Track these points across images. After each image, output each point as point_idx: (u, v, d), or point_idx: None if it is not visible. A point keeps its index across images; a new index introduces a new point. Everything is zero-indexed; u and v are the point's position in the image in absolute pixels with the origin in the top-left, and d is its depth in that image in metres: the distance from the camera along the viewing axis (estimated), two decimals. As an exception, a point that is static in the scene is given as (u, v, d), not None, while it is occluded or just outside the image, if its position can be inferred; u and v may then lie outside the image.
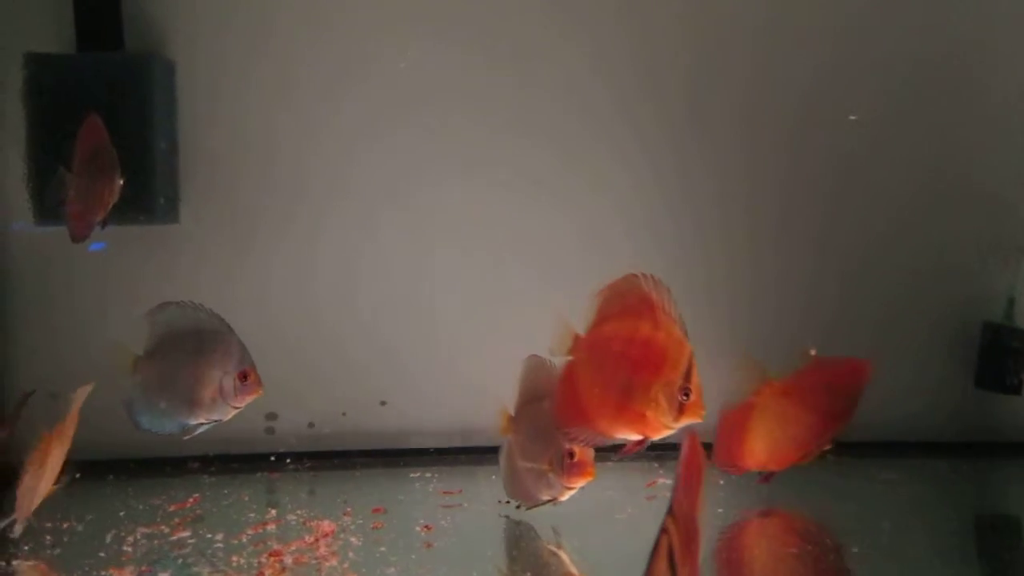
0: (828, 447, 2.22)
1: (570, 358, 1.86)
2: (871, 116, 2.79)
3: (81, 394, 2.12)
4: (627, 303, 1.79)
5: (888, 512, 2.33)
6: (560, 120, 2.77)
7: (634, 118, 2.77)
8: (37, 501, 2.02)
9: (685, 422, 1.75)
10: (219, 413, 2.17)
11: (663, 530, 1.23)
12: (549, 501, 2.11)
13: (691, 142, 2.79)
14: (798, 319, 2.75)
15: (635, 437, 1.81)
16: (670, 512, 1.25)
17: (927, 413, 2.81)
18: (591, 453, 2.03)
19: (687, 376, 1.73)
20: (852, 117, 2.77)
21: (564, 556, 2.05)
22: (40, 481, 2.01)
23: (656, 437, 1.80)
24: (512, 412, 2.18)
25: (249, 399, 2.17)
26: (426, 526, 2.16)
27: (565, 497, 2.08)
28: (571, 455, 2.01)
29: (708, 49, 2.78)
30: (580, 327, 1.86)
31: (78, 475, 2.38)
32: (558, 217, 2.78)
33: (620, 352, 1.77)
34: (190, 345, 2.15)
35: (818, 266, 2.82)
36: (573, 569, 1.99)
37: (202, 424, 2.18)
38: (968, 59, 2.83)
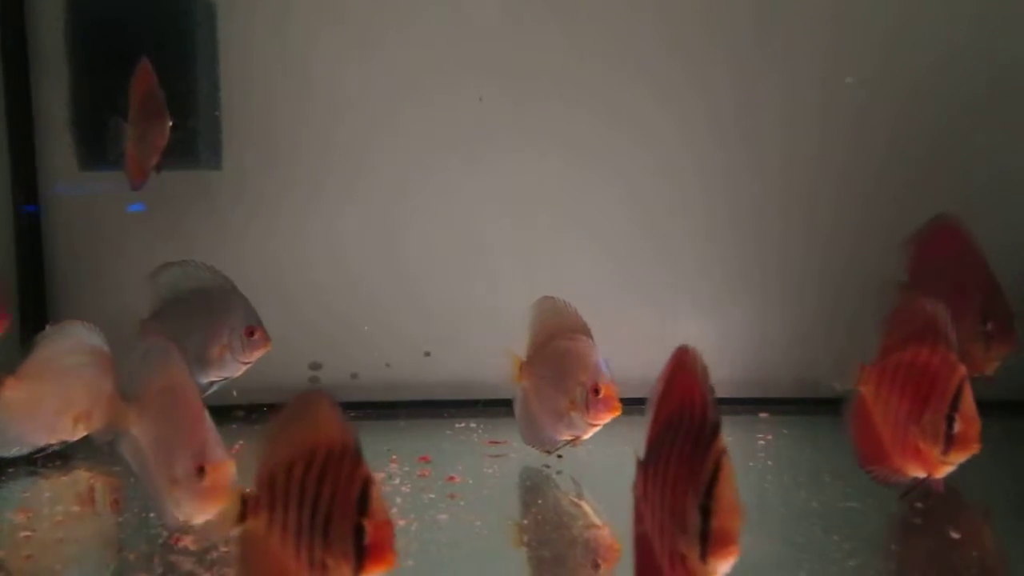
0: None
1: (859, 390, 1.75)
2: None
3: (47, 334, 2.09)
4: (911, 329, 1.67)
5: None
6: (607, 81, 2.67)
7: (697, 82, 2.68)
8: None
9: (958, 457, 1.58)
10: (229, 370, 2.20)
11: (723, 451, 1.17)
12: (570, 442, 2.08)
13: (760, 112, 2.69)
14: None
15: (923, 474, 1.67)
16: (719, 428, 1.18)
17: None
18: (616, 387, 1.99)
19: (954, 403, 1.57)
20: (848, 79, 2.65)
21: (586, 507, 2.01)
22: None
23: (938, 475, 1.64)
24: (523, 357, 2.15)
25: (258, 354, 2.19)
26: (472, 475, 2.13)
27: (588, 435, 2.05)
28: (596, 391, 1.98)
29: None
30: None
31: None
32: (600, 177, 2.72)
33: (903, 381, 1.65)
34: (195, 305, 2.18)
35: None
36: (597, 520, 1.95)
37: (214, 382, 2.20)
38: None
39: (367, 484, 1.22)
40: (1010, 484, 2.14)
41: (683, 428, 1.25)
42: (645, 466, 1.32)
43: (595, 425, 2.02)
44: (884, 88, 2.67)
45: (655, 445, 1.31)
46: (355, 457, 1.24)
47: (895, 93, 2.67)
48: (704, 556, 1.17)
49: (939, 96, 2.67)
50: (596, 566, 1.70)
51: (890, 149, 2.69)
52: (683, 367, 1.30)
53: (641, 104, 2.68)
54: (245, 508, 1.30)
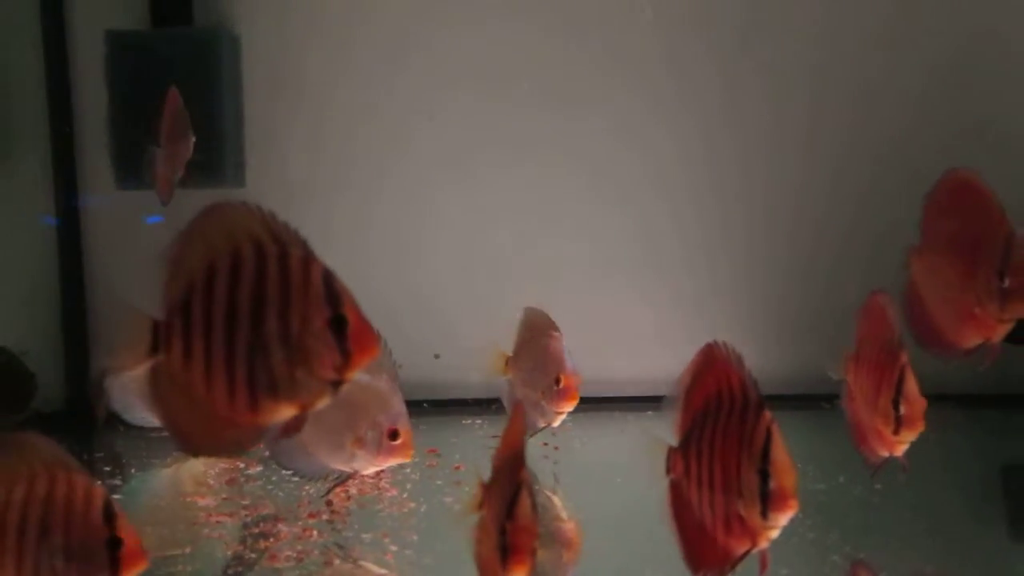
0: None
1: (847, 379, 1.89)
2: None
3: None
4: (869, 322, 1.84)
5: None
6: (609, 97, 2.90)
7: (690, 90, 2.89)
8: None
9: (908, 436, 1.75)
10: None
11: (772, 420, 1.32)
12: (544, 427, 2.25)
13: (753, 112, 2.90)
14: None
15: None
16: (763, 404, 1.34)
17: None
18: (577, 379, 2.17)
19: (899, 387, 1.74)
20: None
21: (556, 501, 2.16)
22: None
23: (898, 453, 1.82)
24: (509, 354, 2.31)
25: None
26: (475, 464, 2.31)
27: (557, 422, 2.23)
28: (558, 382, 2.16)
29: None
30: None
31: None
32: (602, 188, 2.93)
33: (867, 371, 1.81)
34: None
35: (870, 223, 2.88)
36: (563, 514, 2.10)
37: None
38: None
39: (519, 490, 1.30)
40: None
41: (724, 409, 1.38)
42: (684, 449, 1.44)
43: (560, 413, 2.20)
44: (878, 89, 2.88)
45: (693, 430, 1.43)
46: (519, 465, 1.33)
47: (890, 95, 2.88)
48: (765, 513, 1.29)
49: (929, 96, 2.88)
50: (559, 555, 1.88)
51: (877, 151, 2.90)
52: (715, 359, 1.44)
53: (642, 120, 2.92)
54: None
